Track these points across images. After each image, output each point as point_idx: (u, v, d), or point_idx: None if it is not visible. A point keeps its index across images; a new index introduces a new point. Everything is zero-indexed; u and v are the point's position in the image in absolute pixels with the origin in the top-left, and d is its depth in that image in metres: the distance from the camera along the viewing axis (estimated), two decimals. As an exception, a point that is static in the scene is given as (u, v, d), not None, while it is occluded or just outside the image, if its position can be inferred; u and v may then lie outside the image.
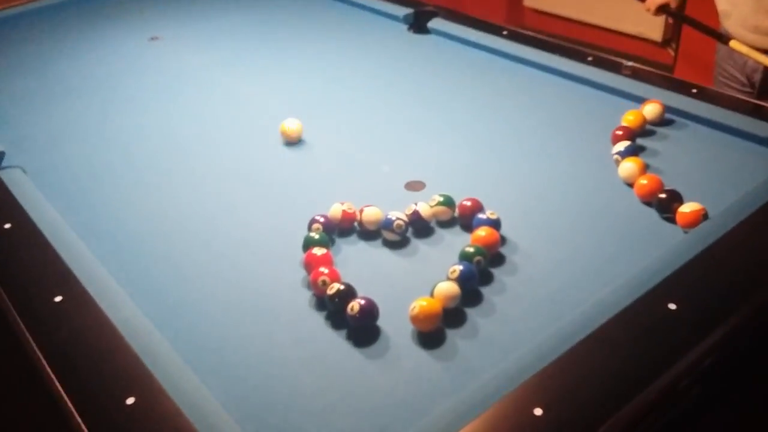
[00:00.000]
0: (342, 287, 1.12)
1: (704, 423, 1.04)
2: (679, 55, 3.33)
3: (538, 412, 0.89)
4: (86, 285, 1.16)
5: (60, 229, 1.32)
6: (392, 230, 1.28)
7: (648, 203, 1.34)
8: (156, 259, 1.30)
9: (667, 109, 1.60)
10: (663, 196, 1.30)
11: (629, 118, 1.57)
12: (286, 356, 1.07)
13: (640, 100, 1.65)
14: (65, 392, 0.98)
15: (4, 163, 1.58)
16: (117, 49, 2.23)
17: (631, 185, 1.39)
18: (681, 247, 1.17)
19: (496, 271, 1.20)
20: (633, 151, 1.45)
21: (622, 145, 1.47)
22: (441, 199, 1.32)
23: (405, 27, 2.21)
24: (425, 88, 1.88)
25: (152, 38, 2.29)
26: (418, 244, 1.29)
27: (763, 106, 1.59)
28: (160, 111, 1.85)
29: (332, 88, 1.93)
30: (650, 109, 1.59)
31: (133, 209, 1.45)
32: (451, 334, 1.08)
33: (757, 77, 1.96)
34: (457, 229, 1.32)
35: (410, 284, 1.18)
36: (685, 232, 1.24)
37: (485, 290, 1.16)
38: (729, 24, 1.96)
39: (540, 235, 1.29)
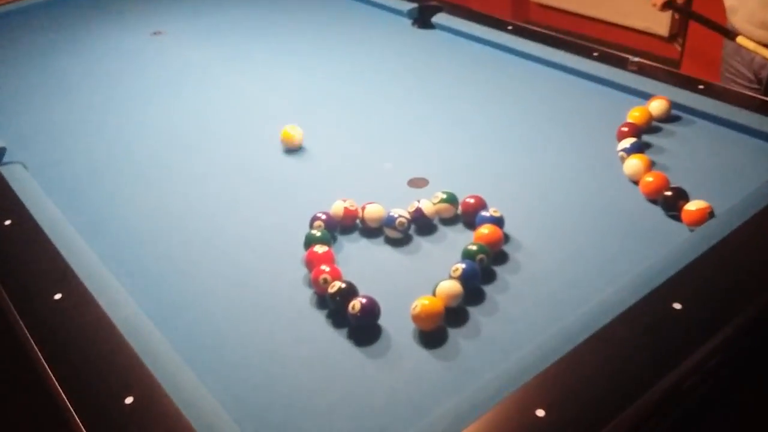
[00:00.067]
0: (343, 285, 1.11)
1: (708, 424, 1.03)
2: (685, 50, 3.31)
3: (540, 413, 0.87)
4: (86, 283, 1.16)
5: (60, 226, 1.32)
6: (394, 228, 1.26)
7: (653, 201, 1.32)
8: (157, 256, 1.29)
9: (673, 105, 1.59)
10: (669, 193, 1.29)
11: (635, 114, 1.55)
12: (287, 355, 1.06)
13: (646, 96, 1.63)
14: (64, 391, 0.97)
15: (6, 159, 1.57)
16: (119, 44, 2.23)
17: (636, 182, 1.37)
18: (686, 245, 1.15)
19: (498, 270, 1.19)
20: (639, 148, 1.44)
21: (628, 142, 1.45)
22: (444, 196, 1.31)
23: (409, 22, 2.20)
24: (429, 84, 1.87)
25: (155, 33, 2.28)
26: (420, 242, 1.28)
27: (771, 103, 1.57)
28: (162, 107, 1.84)
29: (335, 84, 1.91)
30: (656, 106, 1.57)
31: (134, 205, 1.44)
32: (452, 333, 1.07)
33: (765, 73, 1.94)
34: (460, 226, 1.31)
35: (412, 282, 1.17)
36: (691, 231, 1.23)
37: (488, 289, 1.15)
38: (736, 20, 1.93)
39: (543, 232, 1.28)
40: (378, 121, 1.72)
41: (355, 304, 1.07)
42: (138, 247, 1.32)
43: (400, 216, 1.27)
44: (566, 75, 1.81)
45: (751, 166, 1.39)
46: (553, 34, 1.97)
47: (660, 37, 3.50)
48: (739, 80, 2.02)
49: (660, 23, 3.42)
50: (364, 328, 1.09)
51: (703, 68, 2.85)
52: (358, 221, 1.32)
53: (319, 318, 1.12)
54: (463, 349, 1.05)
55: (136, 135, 1.71)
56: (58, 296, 1.13)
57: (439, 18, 2.14)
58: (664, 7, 2.02)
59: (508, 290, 1.15)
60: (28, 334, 1.07)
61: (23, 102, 1.89)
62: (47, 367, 1.01)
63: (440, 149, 1.57)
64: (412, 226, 1.29)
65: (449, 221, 1.32)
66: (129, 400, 0.94)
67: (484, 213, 1.27)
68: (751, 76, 1.99)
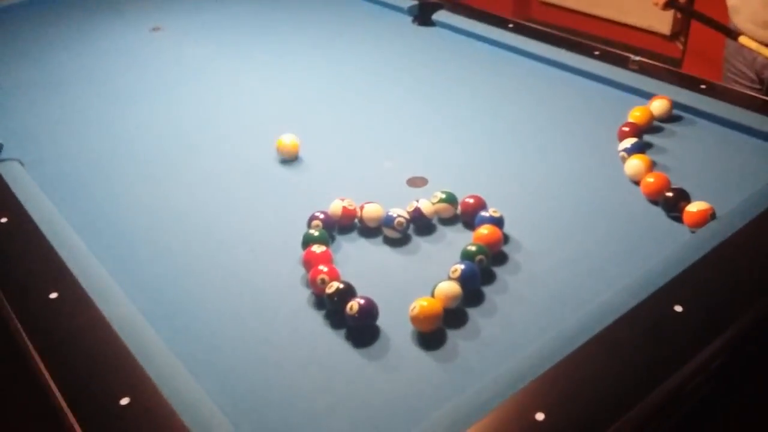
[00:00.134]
0: (341, 286, 1.10)
1: (709, 428, 1.02)
2: (687, 48, 3.30)
3: (539, 417, 0.87)
4: (82, 281, 1.15)
5: (57, 224, 1.30)
6: (393, 228, 1.25)
7: (654, 202, 1.31)
8: (153, 255, 1.28)
9: (675, 105, 1.58)
10: (670, 194, 1.28)
11: (636, 114, 1.54)
12: (284, 356, 1.05)
13: (648, 96, 1.62)
14: (59, 391, 0.96)
15: (2, 155, 1.56)
16: (118, 39, 2.21)
17: (637, 183, 1.36)
18: (688, 247, 1.14)
19: (498, 271, 1.18)
20: (640, 148, 1.43)
21: (629, 142, 1.44)
22: (443, 196, 1.30)
23: (409, 19, 2.18)
24: (429, 82, 1.85)
25: (154, 29, 2.27)
26: (419, 242, 1.27)
27: (773, 103, 1.56)
28: (161, 103, 1.83)
29: (334, 81, 1.90)
30: (658, 105, 1.56)
31: (131, 203, 1.43)
32: (451, 334, 1.06)
33: (767, 74, 1.93)
34: (460, 226, 1.30)
35: (411, 283, 1.16)
36: (692, 232, 1.22)
37: (487, 290, 1.14)
38: (738, 19, 1.92)
39: (543, 233, 1.27)
40: (377, 120, 1.70)
41: (353, 305, 1.06)
42: (134, 245, 1.31)
43: (399, 216, 1.26)
44: (567, 74, 1.80)
45: (753, 167, 1.38)
46: (554, 32, 1.96)
47: (662, 36, 3.48)
48: (741, 80, 2.01)
49: (662, 22, 3.41)
50: (362, 329, 1.08)
51: (705, 67, 2.84)
52: (356, 221, 1.31)
53: (317, 318, 1.11)
54: (462, 350, 1.04)
55: (133, 132, 1.70)
56: (53, 295, 1.12)
57: (440, 15, 2.13)
58: (666, 6, 2.01)
59: (508, 291, 1.14)
60: (24, 333, 1.06)
61: (20, 98, 1.88)
62: (42, 366, 1.00)
63: (440, 148, 1.56)
64: (411, 226, 1.28)
65: (448, 221, 1.31)
66: (125, 401, 0.93)
67: (483, 213, 1.26)
68: (753, 76, 1.98)
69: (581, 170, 1.44)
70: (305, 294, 1.16)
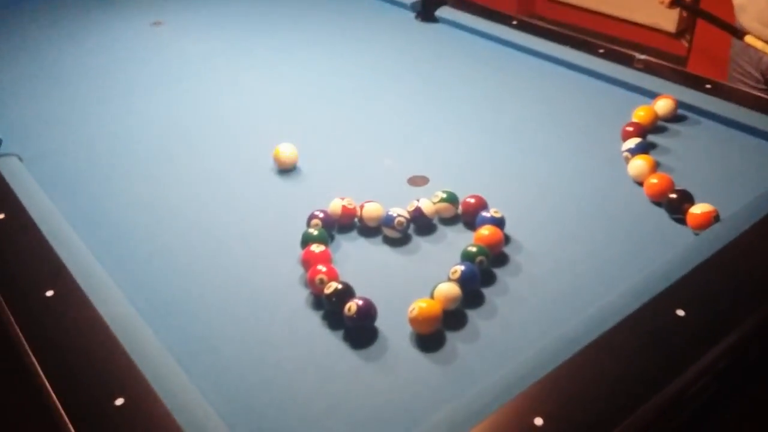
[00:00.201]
0: (340, 286, 1.09)
1: (711, 433, 1.01)
2: (693, 46, 3.27)
3: (538, 422, 0.85)
4: (79, 279, 1.13)
5: (54, 221, 1.29)
6: (393, 227, 1.24)
7: (658, 203, 1.30)
8: (151, 253, 1.27)
9: (679, 104, 1.56)
10: (673, 196, 1.26)
11: (640, 113, 1.53)
12: (281, 356, 1.04)
13: (652, 95, 1.60)
14: (53, 390, 0.95)
15: (1, 150, 1.55)
16: (118, 33, 2.20)
17: (640, 184, 1.35)
18: (690, 250, 1.13)
19: (498, 272, 1.17)
20: (643, 149, 1.41)
21: (633, 142, 1.42)
22: (444, 195, 1.29)
23: (412, 15, 2.17)
24: (431, 79, 1.84)
25: (154, 23, 2.26)
26: (419, 242, 1.26)
27: (779, 104, 1.54)
28: (161, 98, 1.82)
29: (336, 78, 1.89)
30: (662, 105, 1.55)
31: (130, 200, 1.42)
32: (450, 337, 1.05)
33: (773, 73, 1.91)
34: (460, 226, 1.29)
35: (410, 284, 1.15)
36: (696, 234, 1.20)
37: (487, 291, 1.13)
38: (744, 18, 1.90)
39: (545, 234, 1.25)
40: (379, 117, 1.69)
41: (351, 306, 1.05)
42: (132, 242, 1.30)
43: (399, 215, 1.24)
44: (571, 72, 1.78)
45: (758, 169, 1.37)
46: (558, 29, 1.94)
47: (667, 34, 3.46)
48: (746, 80, 1.99)
49: (667, 19, 3.38)
50: (360, 330, 1.06)
51: (711, 66, 2.82)
52: (356, 220, 1.30)
53: (315, 319, 1.10)
54: (461, 353, 1.03)
55: (133, 127, 1.69)
56: (50, 293, 1.11)
57: (443, 11, 2.11)
58: (672, 4, 1.99)
59: (508, 293, 1.13)
60: (19, 331, 1.05)
61: (20, 92, 1.87)
62: (37, 365, 0.99)
63: (441, 146, 1.55)
64: (411, 226, 1.27)
65: (449, 221, 1.29)
66: (119, 401, 0.92)
67: (484, 213, 1.24)
68: (758, 76, 1.96)
69: (584, 170, 1.43)
70: (304, 294, 1.15)
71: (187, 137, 1.64)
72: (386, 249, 1.24)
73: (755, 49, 1.86)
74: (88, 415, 0.92)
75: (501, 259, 1.19)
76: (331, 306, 1.09)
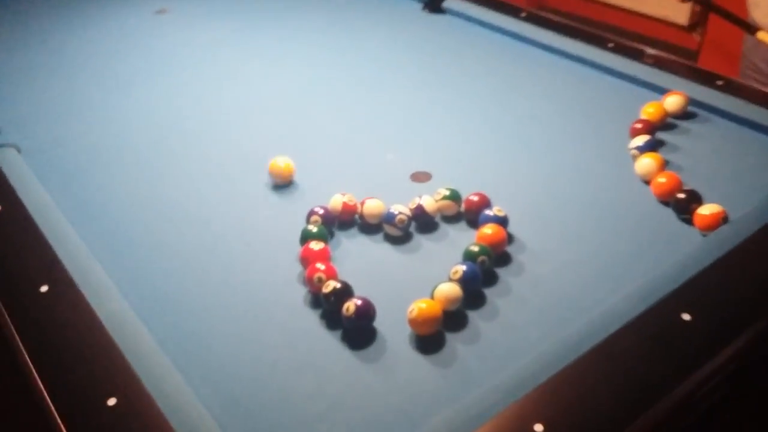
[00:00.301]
0: (338, 285, 1.07)
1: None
2: (705, 40, 3.23)
3: (538, 428, 0.83)
4: (74, 275, 1.12)
5: (51, 214, 1.28)
6: (394, 225, 1.22)
7: (665, 203, 1.27)
8: (148, 248, 1.25)
9: (690, 101, 1.53)
10: (681, 196, 1.23)
11: (649, 110, 1.49)
12: (277, 357, 1.02)
13: (662, 91, 1.57)
14: (45, 388, 0.94)
15: (0, 141, 1.53)
16: (121, 21, 2.18)
17: (648, 183, 1.32)
18: (698, 251, 1.10)
19: (501, 272, 1.15)
20: (652, 146, 1.38)
21: (641, 140, 1.39)
22: (447, 193, 1.26)
23: (419, 6, 2.14)
24: (437, 72, 1.81)
25: (159, 11, 2.23)
26: (420, 240, 1.23)
27: (792, 102, 1.50)
28: (163, 89, 1.80)
29: (339, 69, 1.86)
30: (672, 101, 1.51)
31: (128, 193, 1.40)
32: (450, 338, 1.03)
33: (786, 70, 1.88)
34: (463, 224, 1.26)
35: (410, 283, 1.12)
36: (704, 236, 1.18)
37: (489, 292, 1.11)
38: (758, 14, 1.86)
39: (549, 234, 1.23)
40: (382, 110, 1.66)
41: (350, 306, 1.03)
42: (130, 237, 1.28)
43: (400, 213, 1.22)
44: (579, 66, 1.75)
45: (769, 169, 1.34)
46: (567, 22, 1.91)
47: (679, 27, 3.41)
48: (758, 77, 1.95)
49: (679, 12, 3.34)
50: (358, 330, 1.04)
51: (723, 60, 2.78)
52: (357, 216, 1.28)
53: (313, 318, 1.08)
54: (461, 355, 1.00)
55: (134, 119, 1.67)
56: (44, 288, 1.10)
57: (451, 3, 2.08)
58: (685, -3, 1.95)
59: (510, 294, 1.10)
60: (12, 327, 1.04)
61: (20, 81, 1.85)
62: (30, 362, 0.98)
63: (445, 141, 1.52)
64: (413, 224, 1.25)
65: (451, 219, 1.27)
66: (112, 401, 0.90)
67: (487, 212, 1.22)
68: (771, 72, 1.92)
69: (590, 168, 1.40)
70: (302, 292, 1.13)
71: (188, 129, 1.62)
72: (387, 247, 1.22)
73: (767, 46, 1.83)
74: (80, 414, 0.90)
75: (503, 259, 1.17)
76: (329, 305, 1.07)
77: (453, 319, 1.05)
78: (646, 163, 1.33)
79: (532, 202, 1.31)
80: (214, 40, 2.05)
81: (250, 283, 1.16)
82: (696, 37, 3.34)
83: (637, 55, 1.71)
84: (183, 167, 1.48)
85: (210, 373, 1.00)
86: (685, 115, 1.52)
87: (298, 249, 1.18)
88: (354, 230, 1.27)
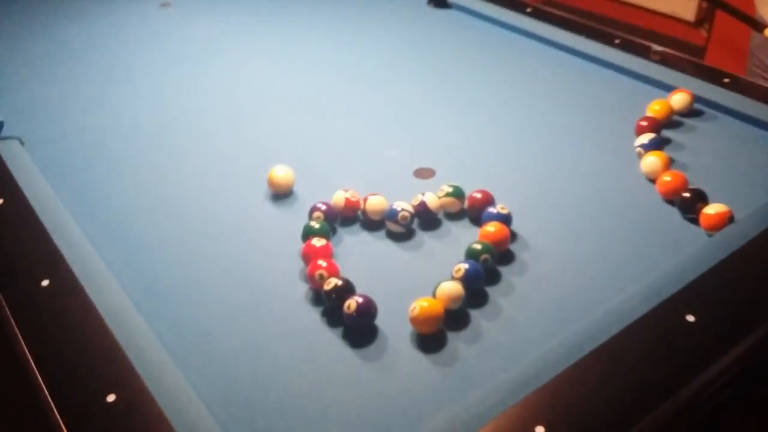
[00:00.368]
0: (340, 283, 1.06)
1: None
2: (712, 36, 3.20)
3: (539, 430, 0.82)
4: (76, 269, 1.11)
5: (54, 208, 1.27)
6: (397, 222, 1.21)
7: (670, 202, 1.26)
8: (151, 243, 1.24)
9: (696, 99, 1.51)
10: (686, 195, 1.22)
11: (655, 107, 1.48)
12: (277, 354, 1.02)
13: (668, 89, 1.56)
14: (45, 383, 0.93)
15: (3, 133, 1.53)
16: (126, 16, 2.17)
17: (653, 181, 1.31)
18: (703, 252, 1.09)
19: (504, 270, 1.14)
20: (657, 144, 1.37)
21: (646, 138, 1.38)
22: (450, 189, 1.25)
23: (424, 1, 2.12)
24: (441, 68, 1.80)
25: (163, 4, 2.22)
26: (423, 237, 1.22)
27: (800, 101, 1.49)
28: (167, 83, 1.79)
29: (342, 64, 1.85)
30: (678, 99, 1.50)
31: (131, 187, 1.39)
32: (452, 337, 1.02)
33: (794, 67, 1.86)
34: (466, 221, 1.25)
35: (412, 281, 1.12)
36: (709, 236, 1.17)
37: (491, 291, 1.10)
38: (765, 11, 1.85)
39: (553, 232, 1.22)
40: (386, 106, 1.65)
41: (351, 304, 1.03)
42: (131, 231, 1.27)
43: (403, 209, 1.21)
44: (585, 63, 1.74)
45: (776, 168, 1.33)
46: (574, 17, 1.89)
47: (686, 22, 3.39)
48: (765, 75, 1.93)
49: (686, 8, 3.31)
50: (359, 328, 1.04)
51: (730, 57, 2.76)
52: (359, 212, 1.27)
53: (314, 315, 1.08)
54: (462, 355, 1.00)
55: (138, 113, 1.66)
56: (45, 282, 1.09)
57: (456, -3, 2.07)
58: (692, -7, 1.93)
59: (513, 293, 1.10)
60: (13, 322, 1.03)
61: (24, 74, 1.84)
62: (30, 357, 0.97)
63: (449, 137, 1.51)
64: (416, 221, 1.24)
65: (455, 216, 1.26)
66: (111, 398, 0.90)
67: (490, 209, 1.21)
68: (778, 69, 1.91)
69: (595, 166, 1.39)
70: (303, 288, 1.12)
71: (191, 122, 1.61)
72: (389, 244, 1.22)
73: (776, 43, 1.81)
74: (79, 410, 0.90)
75: (506, 258, 1.16)
76: (330, 302, 1.06)
77: (455, 317, 1.04)
78: (652, 161, 1.32)
79: (536, 200, 1.30)
80: (217, 34, 2.04)
81: (252, 278, 1.15)
82: (703, 33, 3.32)
83: (643, 52, 1.69)
84: (186, 160, 1.48)
85: (210, 369, 0.99)
86: (691, 112, 1.50)
87: (300, 245, 1.18)
88: (356, 226, 1.26)
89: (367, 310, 1.03)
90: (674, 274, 1.04)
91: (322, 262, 1.10)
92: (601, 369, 0.91)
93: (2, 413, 1.18)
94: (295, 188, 1.35)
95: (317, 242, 1.15)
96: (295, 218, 1.25)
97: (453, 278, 1.07)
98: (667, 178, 1.27)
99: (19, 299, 1.07)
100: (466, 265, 1.08)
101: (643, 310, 0.98)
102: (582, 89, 1.65)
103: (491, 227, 1.16)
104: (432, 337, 1.02)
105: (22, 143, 1.50)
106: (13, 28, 2.10)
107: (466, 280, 1.07)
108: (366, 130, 1.56)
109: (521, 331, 1.03)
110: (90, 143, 1.54)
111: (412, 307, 1.02)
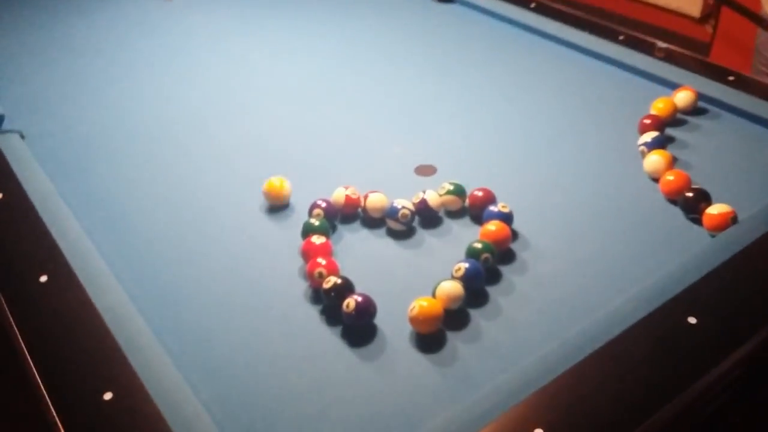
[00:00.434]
0: (339, 281, 1.06)
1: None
2: (717, 32, 3.18)
3: (539, 432, 0.82)
4: (74, 266, 1.11)
5: (54, 203, 1.26)
6: (397, 219, 1.20)
7: (673, 201, 1.25)
8: (150, 240, 1.24)
9: (700, 97, 1.50)
10: (689, 194, 1.21)
11: (659, 105, 1.47)
12: (276, 353, 1.01)
13: (672, 86, 1.54)
14: (41, 380, 0.93)
15: (3, 127, 1.52)
16: (128, 9, 2.15)
17: (656, 180, 1.30)
18: (705, 253, 1.08)
19: (504, 270, 1.13)
20: (661, 143, 1.36)
21: (650, 136, 1.37)
22: (451, 187, 1.24)
23: (428, -5, 2.11)
24: (445, 64, 1.79)
25: (165, -2, 2.21)
26: (424, 235, 1.22)
27: (805, 99, 1.48)
28: (169, 77, 1.78)
29: (344, 58, 1.84)
30: (682, 97, 1.49)
31: (131, 184, 1.39)
32: (451, 337, 1.02)
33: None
34: (467, 219, 1.25)
35: (412, 280, 1.11)
36: (712, 236, 1.16)
37: (491, 290, 1.09)
38: (772, 7, 1.83)
39: (554, 231, 1.21)
40: (388, 102, 1.64)
41: (350, 303, 1.02)
42: (131, 228, 1.27)
43: (404, 207, 1.20)
44: (589, 59, 1.73)
45: (781, 168, 1.31)
46: (578, 13, 1.88)
47: (691, 18, 3.37)
48: (771, 71, 1.92)
49: (691, 4, 3.30)
50: (358, 327, 1.03)
51: (735, 53, 2.74)
52: (359, 210, 1.26)
53: (313, 314, 1.07)
54: (462, 355, 0.99)
55: (139, 107, 1.65)
56: (43, 278, 1.09)
57: (460, -8, 2.06)
58: (697, -10, 1.92)
59: (513, 293, 1.09)
60: (10, 317, 1.03)
61: (25, 67, 1.83)
62: (27, 354, 0.97)
63: (452, 134, 1.50)
64: (416, 218, 1.23)
65: (456, 214, 1.25)
66: (108, 396, 0.90)
67: (492, 208, 1.20)
68: (784, 67, 1.89)
69: (597, 164, 1.38)
70: (302, 286, 1.12)
71: (193, 117, 1.61)
72: (389, 242, 1.21)
73: (782, 40, 1.79)
74: (75, 407, 0.89)
75: (507, 257, 1.15)
76: (329, 301, 1.06)
77: (454, 317, 1.04)
78: (655, 160, 1.31)
79: (538, 199, 1.29)
80: (220, 28, 2.03)
81: (251, 276, 1.15)
82: (708, 29, 3.30)
83: (647, 49, 1.68)
84: (187, 155, 1.47)
85: (208, 367, 0.99)
86: (695, 110, 1.49)
87: (300, 242, 1.17)
88: (356, 224, 1.25)
89: (366, 309, 1.02)
90: (676, 275, 1.03)
91: (322, 260, 1.09)
92: (602, 371, 0.90)
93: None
94: (296, 184, 1.34)
95: (317, 240, 1.14)
96: (294, 215, 1.24)
97: (453, 277, 1.07)
98: (670, 177, 1.26)
99: (17, 295, 1.07)
100: (467, 264, 1.07)
101: (644, 311, 0.97)
102: (585, 86, 1.64)
103: (492, 226, 1.16)
104: (431, 337, 1.01)
105: (22, 137, 1.49)
106: (14, 22, 2.08)
107: (467, 279, 1.06)
108: (367, 127, 1.55)
109: (521, 331, 1.02)
110: (90, 137, 1.54)
111: (411, 307, 1.01)
